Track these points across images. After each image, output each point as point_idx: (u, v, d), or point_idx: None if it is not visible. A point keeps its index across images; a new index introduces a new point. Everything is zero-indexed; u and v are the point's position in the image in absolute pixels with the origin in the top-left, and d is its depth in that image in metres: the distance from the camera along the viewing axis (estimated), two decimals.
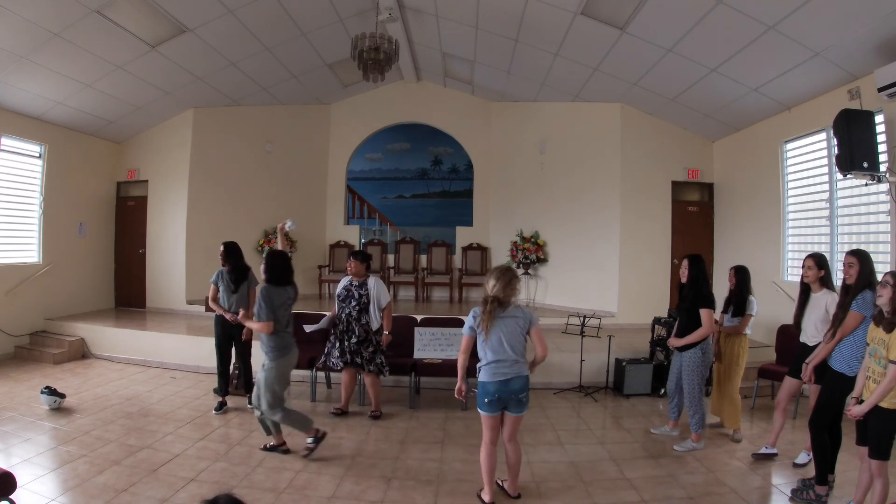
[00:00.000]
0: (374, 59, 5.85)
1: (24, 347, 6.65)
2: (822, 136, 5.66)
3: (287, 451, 3.87)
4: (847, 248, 3.94)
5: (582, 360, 5.62)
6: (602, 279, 7.72)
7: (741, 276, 4.41)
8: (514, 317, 3.10)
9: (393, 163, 14.13)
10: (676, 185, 7.76)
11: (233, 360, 5.10)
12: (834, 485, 3.31)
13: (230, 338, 4.96)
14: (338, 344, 4.66)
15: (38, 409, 4.61)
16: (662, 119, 7.58)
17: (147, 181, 8.35)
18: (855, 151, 4.50)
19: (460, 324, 5.45)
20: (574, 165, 8.19)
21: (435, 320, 5.73)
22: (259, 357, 5.13)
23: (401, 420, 4.70)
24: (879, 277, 2.94)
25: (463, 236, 9.62)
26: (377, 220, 12.58)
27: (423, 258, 9.46)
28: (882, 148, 4.66)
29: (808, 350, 3.61)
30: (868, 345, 2.89)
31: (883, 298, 2.76)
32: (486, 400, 3.09)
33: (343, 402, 4.79)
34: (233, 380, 5.13)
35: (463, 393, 3.20)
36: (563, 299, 8.16)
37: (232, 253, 4.94)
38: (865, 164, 4.53)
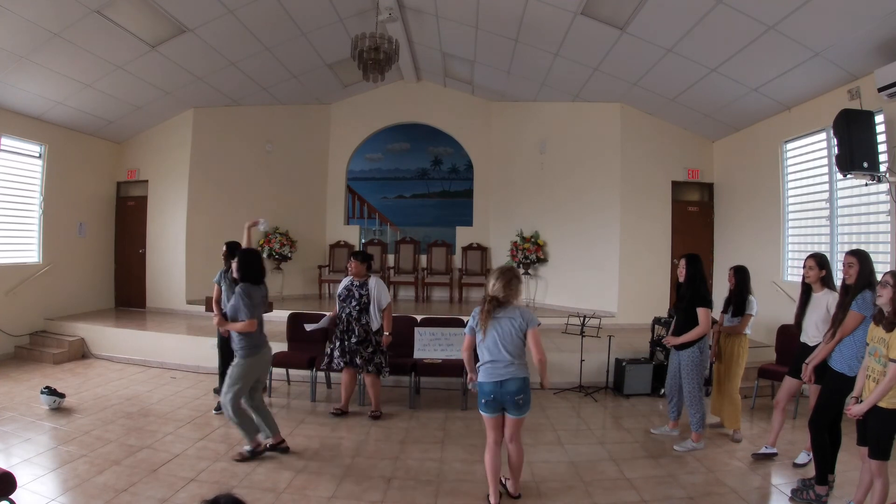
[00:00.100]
0: (374, 59, 5.85)
1: (24, 347, 6.65)
2: (822, 136, 5.66)
3: (286, 451, 3.86)
4: (847, 248, 3.94)
5: (582, 360, 5.63)
6: (602, 279, 7.72)
7: (741, 276, 4.42)
8: (511, 318, 3.06)
9: (393, 163, 14.13)
10: (676, 185, 7.76)
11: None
12: (834, 485, 3.31)
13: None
14: (338, 344, 4.67)
15: (38, 409, 4.61)
16: (662, 119, 7.58)
17: (147, 181, 8.35)
18: (855, 151, 4.50)
19: (460, 324, 5.49)
20: (574, 165, 8.19)
21: (435, 320, 5.73)
22: None
23: (401, 420, 4.70)
24: (879, 277, 2.94)
25: (463, 236, 9.62)
26: (377, 220, 12.58)
27: (423, 258, 9.46)
28: (882, 148, 4.66)
29: (809, 350, 3.61)
30: (868, 344, 2.89)
31: (883, 298, 2.77)
32: (483, 400, 3.09)
33: (343, 402, 4.79)
34: None
35: (474, 381, 3.18)
36: (563, 299, 8.16)
37: (234, 253, 4.93)
38: (865, 164, 4.53)
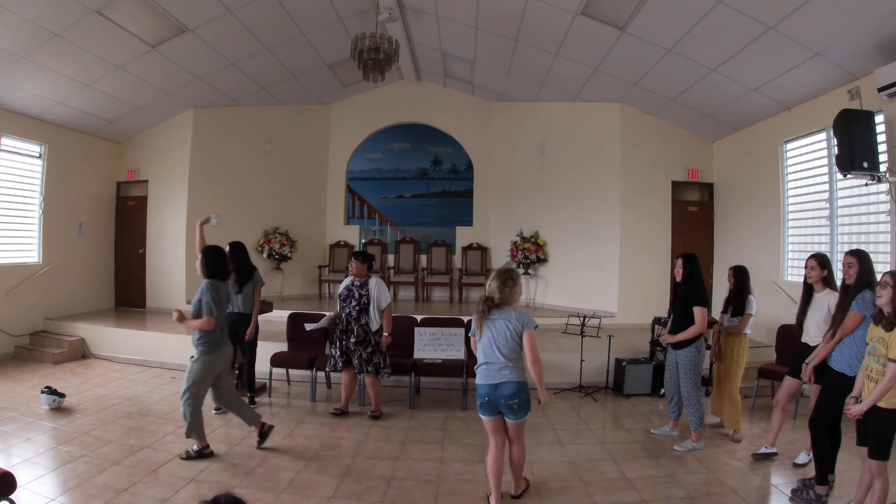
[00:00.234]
0: (374, 59, 5.85)
1: (24, 347, 6.65)
2: (822, 136, 5.66)
3: (269, 431, 3.91)
4: (847, 248, 3.94)
5: (582, 360, 5.63)
6: (602, 279, 7.73)
7: (740, 276, 4.42)
8: (507, 319, 2.99)
9: (393, 163, 14.13)
10: (676, 185, 7.76)
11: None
12: (834, 485, 3.31)
13: (235, 337, 4.95)
14: (338, 343, 4.67)
15: (38, 409, 4.61)
16: (662, 119, 7.58)
17: (147, 181, 8.35)
18: (855, 151, 4.50)
19: (460, 324, 5.49)
20: (574, 165, 8.19)
21: (435, 320, 5.73)
22: (262, 357, 5.19)
23: (401, 420, 4.70)
24: (879, 277, 2.94)
25: (463, 236, 9.62)
26: (377, 220, 12.58)
27: (423, 258, 9.46)
28: (882, 148, 4.66)
29: (810, 350, 3.61)
30: (867, 344, 2.89)
31: (883, 299, 2.77)
32: (479, 402, 3.07)
33: (343, 402, 4.79)
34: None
35: None
36: (563, 299, 8.16)
37: (239, 253, 4.95)
38: (865, 164, 4.53)
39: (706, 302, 4.14)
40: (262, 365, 5.22)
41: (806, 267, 3.73)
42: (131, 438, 4.04)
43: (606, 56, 6.21)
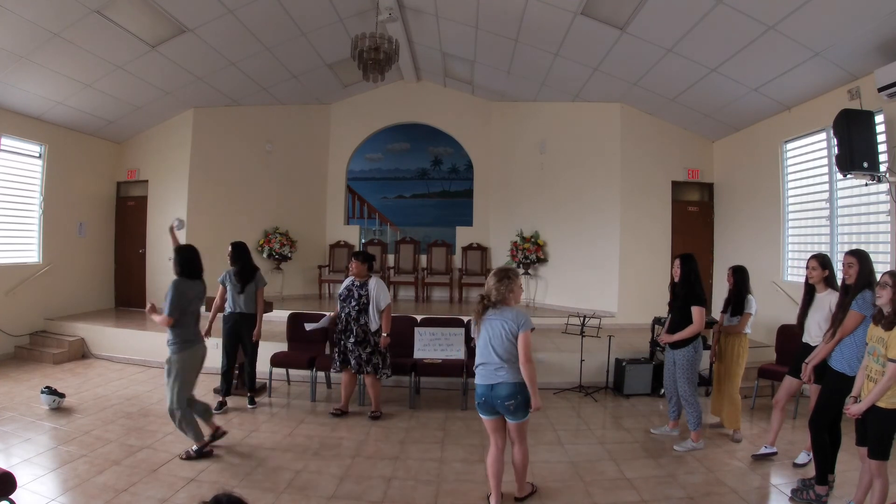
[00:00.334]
0: (374, 59, 5.85)
1: (24, 347, 6.65)
2: (822, 136, 5.66)
3: (223, 434, 3.88)
4: (847, 248, 3.94)
5: (582, 360, 5.63)
6: (602, 279, 7.73)
7: (739, 276, 4.43)
8: (504, 319, 2.96)
9: (393, 163, 14.13)
10: (676, 185, 7.76)
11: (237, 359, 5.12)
12: (834, 485, 3.31)
13: (238, 337, 4.95)
14: (337, 344, 4.67)
15: (38, 409, 4.61)
16: (662, 119, 7.58)
17: (147, 181, 8.35)
18: (855, 151, 4.50)
19: (460, 324, 5.49)
20: (574, 165, 8.19)
21: (435, 320, 5.73)
22: (262, 357, 5.18)
23: (401, 420, 4.70)
24: (879, 277, 2.94)
25: (463, 236, 9.62)
26: (377, 220, 12.58)
27: (423, 258, 9.46)
28: (882, 148, 4.66)
29: (811, 350, 3.61)
30: (867, 344, 2.89)
31: (882, 299, 2.77)
32: (477, 402, 3.06)
33: (343, 403, 4.79)
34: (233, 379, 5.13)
35: None
36: (563, 299, 8.16)
37: (241, 253, 4.95)
38: (865, 164, 4.53)
39: (704, 302, 4.15)
40: (262, 365, 5.22)
41: (807, 267, 3.73)
42: (131, 438, 4.04)
43: (606, 56, 6.21)
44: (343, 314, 4.63)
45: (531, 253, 8.35)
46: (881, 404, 2.71)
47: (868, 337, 2.90)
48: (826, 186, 5.61)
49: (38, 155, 7.11)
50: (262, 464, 3.69)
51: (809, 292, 3.77)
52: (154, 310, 3.68)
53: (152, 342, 6.49)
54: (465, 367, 5.00)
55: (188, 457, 3.69)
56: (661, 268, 7.59)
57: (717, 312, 4.79)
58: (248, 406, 4.95)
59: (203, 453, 3.73)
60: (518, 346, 2.93)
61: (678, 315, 4.23)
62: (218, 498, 1.41)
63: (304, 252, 9.27)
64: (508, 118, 9.31)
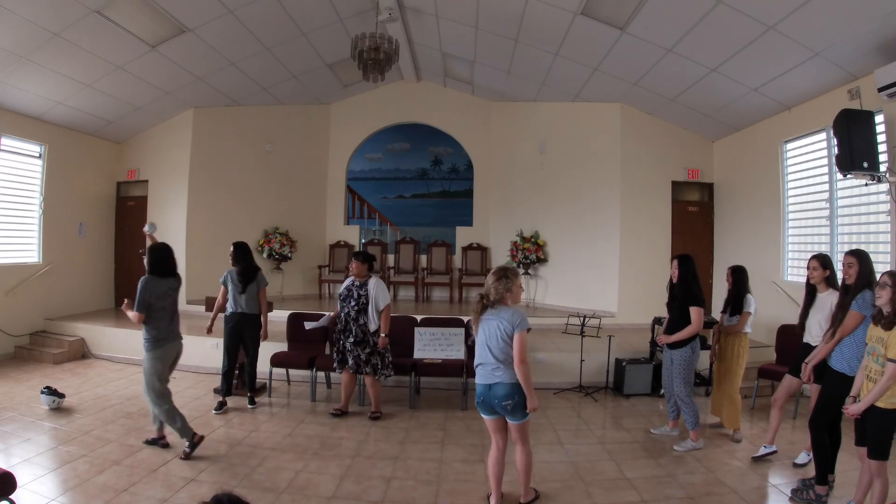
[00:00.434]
0: (374, 59, 5.85)
1: (24, 347, 6.65)
2: (822, 136, 5.66)
3: (166, 446, 3.86)
4: (847, 248, 3.94)
5: (582, 360, 5.63)
6: (602, 279, 7.73)
7: (738, 276, 4.43)
8: (500, 319, 2.93)
9: (393, 163, 14.12)
10: (676, 185, 7.76)
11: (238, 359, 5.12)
12: (834, 485, 3.31)
13: (240, 338, 4.95)
14: (337, 344, 4.67)
15: (38, 409, 4.61)
16: (662, 119, 7.58)
17: (147, 181, 8.35)
18: (855, 151, 4.50)
19: (460, 324, 5.49)
20: (574, 165, 8.19)
21: (435, 320, 5.73)
22: (262, 357, 5.18)
23: (401, 420, 4.70)
24: (878, 277, 2.94)
25: (463, 236, 9.62)
26: (377, 220, 12.58)
27: (423, 258, 9.46)
28: (882, 148, 4.66)
29: (812, 350, 3.60)
30: (867, 344, 2.89)
31: (882, 299, 2.77)
32: (476, 401, 3.06)
33: (343, 403, 4.79)
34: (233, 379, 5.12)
35: None
36: (563, 299, 8.16)
37: (243, 253, 4.95)
38: (865, 164, 4.53)
39: (702, 302, 4.16)
40: (262, 365, 5.22)
41: (808, 268, 3.73)
42: (131, 438, 4.04)
43: (606, 56, 6.21)
44: (342, 314, 4.63)
45: (531, 253, 8.35)
46: (880, 404, 2.71)
47: (868, 337, 2.90)
48: (826, 186, 5.61)
49: (38, 155, 7.11)
50: (262, 464, 3.69)
51: (811, 292, 3.77)
52: (129, 307, 3.77)
53: None
54: (464, 367, 5.00)
55: (186, 456, 3.69)
56: (661, 268, 7.58)
57: (717, 313, 4.79)
58: (248, 406, 4.95)
59: (196, 445, 3.74)
60: (514, 347, 2.90)
61: (676, 315, 4.24)
62: (218, 498, 1.41)
63: (304, 252, 9.27)
64: (508, 118, 9.31)
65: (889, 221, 4.78)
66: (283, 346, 5.64)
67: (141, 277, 3.81)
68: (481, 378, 3.02)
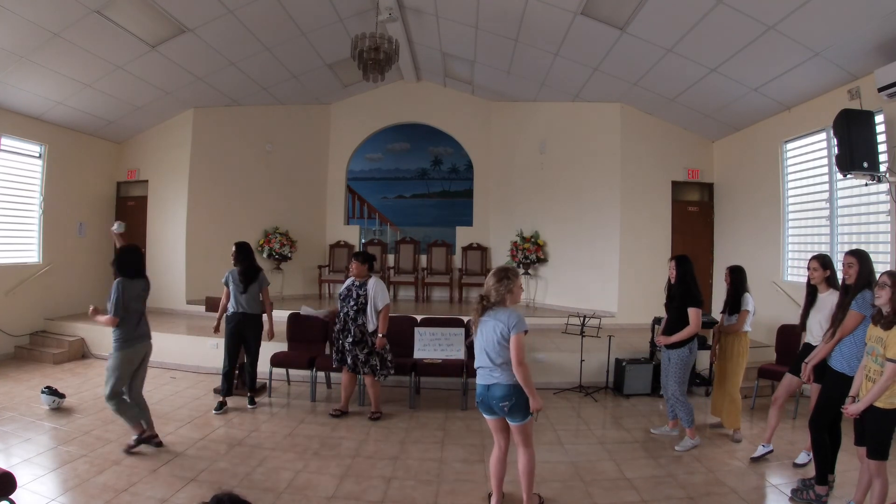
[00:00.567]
0: (374, 59, 5.85)
1: (24, 347, 6.65)
2: (822, 136, 5.66)
3: (160, 444, 3.88)
4: (847, 248, 3.94)
5: (582, 360, 5.63)
6: (602, 279, 7.72)
7: (736, 276, 4.44)
8: (497, 321, 2.90)
9: (393, 163, 14.12)
10: (676, 185, 7.76)
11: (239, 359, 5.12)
12: (834, 485, 3.31)
13: (241, 338, 4.95)
14: (336, 343, 4.67)
15: (38, 409, 4.61)
16: (662, 119, 7.58)
17: (147, 181, 8.35)
18: (855, 151, 4.50)
19: (460, 324, 5.49)
20: (574, 165, 8.19)
21: (435, 320, 5.73)
22: (262, 357, 5.19)
23: (401, 420, 4.70)
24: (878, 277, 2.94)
25: (463, 236, 9.62)
26: (377, 220, 12.58)
27: (423, 258, 9.46)
28: (882, 148, 4.66)
29: (812, 350, 3.61)
30: (866, 344, 2.89)
31: (882, 299, 2.77)
32: (477, 401, 3.06)
33: (343, 403, 4.79)
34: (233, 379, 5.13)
35: None
36: (563, 299, 8.16)
37: (245, 253, 4.95)
38: (865, 164, 4.53)
39: (700, 303, 4.17)
40: (262, 365, 5.22)
41: (808, 268, 3.73)
42: (131, 438, 4.03)
43: (606, 56, 6.20)
44: (342, 314, 4.63)
45: (531, 253, 8.35)
46: (879, 404, 2.71)
47: (867, 337, 2.90)
48: (826, 186, 5.61)
49: (38, 155, 7.11)
50: (262, 464, 3.69)
51: (811, 293, 3.77)
52: (97, 311, 3.78)
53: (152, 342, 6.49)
54: (464, 367, 5.00)
55: (129, 448, 3.74)
56: (661, 268, 7.53)
57: (716, 313, 4.79)
58: (248, 406, 4.95)
59: (143, 440, 3.78)
60: (510, 349, 2.87)
61: (674, 316, 4.25)
62: (218, 498, 1.41)
63: (304, 252, 9.27)
64: (508, 118, 9.31)
65: (889, 221, 4.78)
66: (283, 346, 5.64)
67: (114, 281, 3.83)
68: (481, 379, 3.02)
